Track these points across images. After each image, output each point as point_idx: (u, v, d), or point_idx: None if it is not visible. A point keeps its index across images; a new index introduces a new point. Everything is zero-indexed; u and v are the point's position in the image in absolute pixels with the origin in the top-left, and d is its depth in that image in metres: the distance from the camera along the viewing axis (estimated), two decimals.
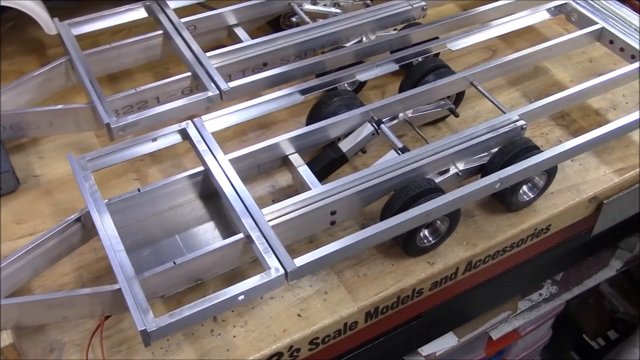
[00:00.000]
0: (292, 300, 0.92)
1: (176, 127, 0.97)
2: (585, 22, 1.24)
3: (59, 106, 1.03)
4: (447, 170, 0.99)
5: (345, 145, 1.02)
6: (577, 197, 1.07)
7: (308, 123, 1.07)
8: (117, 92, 1.08)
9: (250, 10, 1.24)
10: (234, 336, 0.87)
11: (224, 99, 1.05)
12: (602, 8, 1.25)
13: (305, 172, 0.96)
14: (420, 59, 1.17)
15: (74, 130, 1.06)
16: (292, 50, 1.17)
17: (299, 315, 0.90)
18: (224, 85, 1.05)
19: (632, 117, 1.06)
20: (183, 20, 1.18)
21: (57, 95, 1.15)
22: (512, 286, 1.31)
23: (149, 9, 1.21)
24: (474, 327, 1.54)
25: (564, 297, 1.69)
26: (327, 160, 1.01)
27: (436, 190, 0.93)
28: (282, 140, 0.97)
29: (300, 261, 0.81)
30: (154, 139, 0.96)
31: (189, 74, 1.09)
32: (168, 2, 1.21)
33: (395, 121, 1.07)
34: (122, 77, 1.24)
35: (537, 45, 1.18)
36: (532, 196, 1.03)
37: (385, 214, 0.93)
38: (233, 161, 0.93)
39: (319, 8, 1.28)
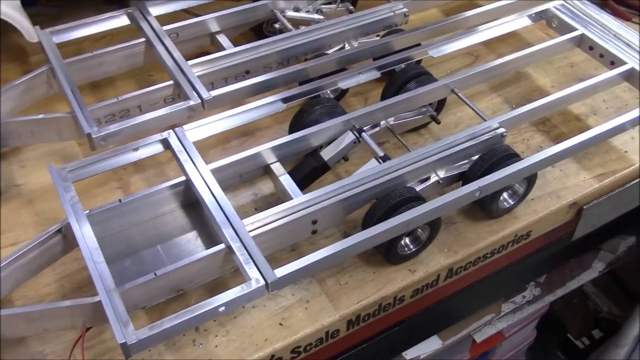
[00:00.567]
0: (274, 309, 0.92)
1: (158, 136, 0.98)
2: (566, 28, 1.25)
3: (40, 116, 1.03)
4: (428, 178, 0.99)
5: (327, 154, 1.02)
6: (557, 203, 1.08)
7: (290, 131, 1.08)
8: (99, 100, 1.08)
9: (233, 17, 1.24)
10: (216, 346, 0.87)
11: (206, 107, 1.06)
12: (582, 14, 1.27)
13: (286, 181, 0.97)
14: (402, 66, 1.17)
15: (56, 139, 1.06)
16: (274, 58, 1.17)
17: (280, 324, 0.90)
18: (205, 94, 1.05)
19: (612, 123, 1.07)
20: (165, 27, 1.18)
21: (40, 103, 1.15)
22: (494, 290, 1.32)
23: (131, 16, 1.21)
24: (457, 330, 1.55)
25: (547, 299, 1.71)
26: (308, 169, 1.02)
27: (417, 199, 0.93)
28: (264, 149, 0.98)
29: (280, 272, 0.81)
30: (136, 149, 0.96)
31: (171, 82, 1.09)
32: (150, 10, 1.22)
33: (377, 129, 1.07)
34: (104, 84, 1.23)
35: (518, 51, 1.19)
36: (513, 203, 1.04)
37: (366, 223, 0.93)
38: (214, 171, 0.93)
39: (301, 15, 1.28)
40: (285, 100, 1.07)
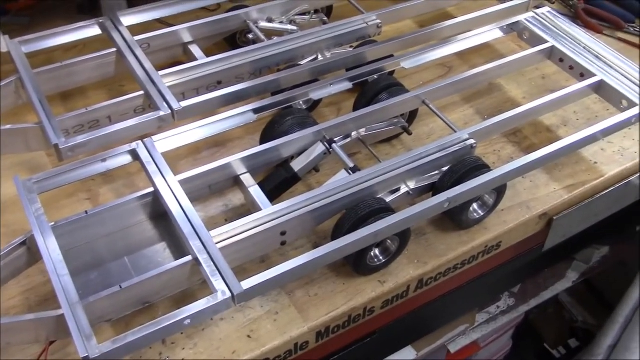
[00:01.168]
0: (243, 321, 0.91)
1: (126, 147, 0.97)
2: (537, 40, 1.27)
3: (8, 126, 1.02)
4: (398, 189, 0.99)
5: (297, 165, 1.02)
6: (527, 214, 1.09)
7: (262, 142, 1.07)
8: (69, 110, 1.07)
9: (206, 27, 1.24)
10: (183, 359, 0.87)
11: (176, 118, 1.05)
12: (553, 27, 1.28)
13: (256, 192, 0.96)
14: (375, 77, 1.18)
15: (24, 150, 1.05)
16: (247, 68, 1.17)
17: (249, 336, 0.90)
18: (176, 105, 1.04)
19: (582, 134, 1.08)
20: (137, 37, 1.17)
21: (9, 113, 1.14)
22: (467, 301, 1.32)
23: (102, 27, 1.20)
24: (432, 340, 1.55)
25: (522, 309, 1.71)
26: (279, 180, 1.01)
27: (386, 210, 0.93)
28: (234, 160, 0.97)
29: (247, 284, 0.81)
30: (104, 160, 0.96)
31: (141, 92, 1.09)
32: (122, 20, 1.21)
33: (348, 140, 1.07)
34: (75, 94, 1.22)
35: (490, 63, 1.20)
36: (483, 214, 1.05)
37: (335, 234, 0.93)
38: (183, 182, 0.93)
39: (274, 26, 1.28)
40: (256, 111, 1.07)
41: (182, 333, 0.89)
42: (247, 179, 0.99)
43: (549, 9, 1.34)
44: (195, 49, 1.21)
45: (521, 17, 1.30)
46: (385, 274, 0.98)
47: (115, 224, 0.93)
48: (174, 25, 1.23)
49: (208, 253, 0.83)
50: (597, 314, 2.09)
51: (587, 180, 1.15)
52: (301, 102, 1.15)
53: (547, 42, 1.25)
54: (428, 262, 1.00)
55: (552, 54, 1.25)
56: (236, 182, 1.00)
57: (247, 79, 1.17)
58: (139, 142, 0.98)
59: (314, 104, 1.21)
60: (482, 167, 1.00)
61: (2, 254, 0.85)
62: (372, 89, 1.13)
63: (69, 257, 0.84)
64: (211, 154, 1.14)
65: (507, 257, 1.15)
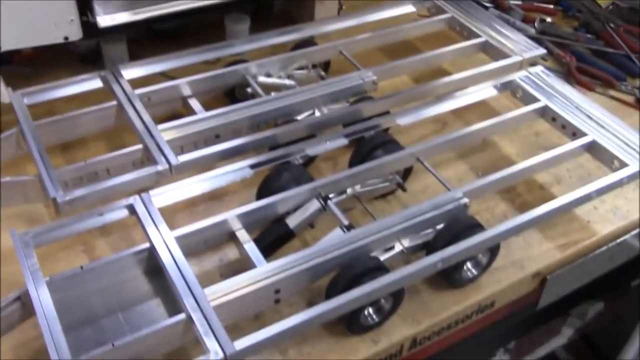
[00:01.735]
0: None
1: (124, 202, 0.98)
2: (530, 99, 1.29)
3: (7, 179, 1.03)
4: (392, 247, 1.00)
5: (292, 221, 1.03)
6: (521, 273, 1.09)
7: (258, 197, 1.08)
8: (68, 160, 1.08)
9: (205, 82, 1.26)
10: None
11: (174, 172, 1.06)
12: (546, 86, 1.30)
13: (251, 249, 0.97)
14: (371, 133, 1.19)
15: (22, 201, 1.06)
16: (245, 123, 1.19)
17: None
18: (174, 160, 1.06)
19: (576, 194, 1.09)
20: (137, 91, 1.20)
21: (9, 163, 1.15)
22: (461, 358, 1.31)
23: (104, 79, 1.23)
24: None
25: None
26: (274, 236, 1.02)
27: (380, 269, 0.94)
28: (230, 217, 0.98)
29: (240, 344, 0.81)
30: (101, 214, 0.97)
31: (140, 146, 1.10)
32: (123, 73, 1.23)
33: (344, 196, 1.09)
34: (74, 144, 1.24)
35: (483, 120, 1.22)
36: (476, 273, 1.05)
37: (329, 293, 0.93)
38: (179, 238, 0.93)
39: (273, 80, 1.30)
40: (253, 166, 1.09)
41: None
42: (243, 235, 0.99)
43: (542, 68, 1.37)
44: (194, 103, 1.23)
45: (515, 76, 1.33)
46: (379, 333, 0.98)
47: (110, 279, 0.93)
48: (175, 78, 1.26)
49: (202, 311, 0.84)
50: None
51: (581, 239, 1.16)
52: (298, 157, 1.17)
53: (539, 101, 1.27)
54: (421, 321, 1.00)
55: (545, 113, 1.27)
56: (231, 237, 1.01)
57: (244, 133, 1.19)
58: (137, 196, 0.99)
59: (310, 159, 1.22)
60: (475, 227, 1.01)
61: None
62: (367, 145, 1.15)
63: (63, 312, 0.84)
64: (207, 207, 1.15)
65: (501, 315, 1.15)
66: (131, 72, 1.26)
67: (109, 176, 1.07)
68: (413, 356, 1.04)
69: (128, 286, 0.94)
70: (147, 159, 1.11)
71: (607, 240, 1.19)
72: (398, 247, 1.00)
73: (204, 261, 1.05)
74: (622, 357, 1.75)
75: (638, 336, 1.72)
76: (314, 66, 1.37)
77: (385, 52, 1.54)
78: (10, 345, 0.92)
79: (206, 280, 0.94)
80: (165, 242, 0.92)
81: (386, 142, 1.15)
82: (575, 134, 1.22)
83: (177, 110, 1.28)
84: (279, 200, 1.02)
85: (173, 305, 0.93)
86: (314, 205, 1.04)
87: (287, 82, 1.31)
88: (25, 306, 0.88)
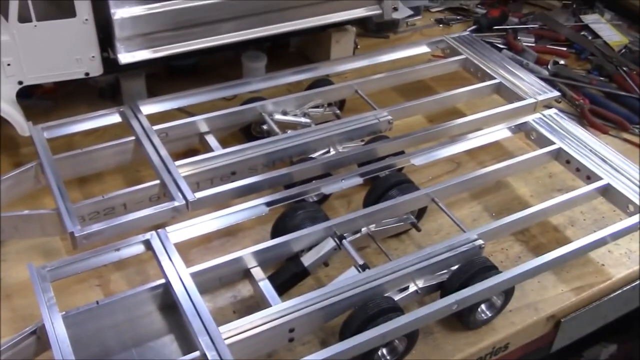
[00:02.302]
0: None
1: (140, 237, 0.99)
2: (544, 141, 1.30)
3: (25, 212, 1.04)
4: (406, 288, 1.00)
5: (307, 260, 1.03)
6: (535, 316, 1.09)
7: (273, 235, 1.09)
8: (86, 194, 1.09)
9: (222, 119, 1.28)
10: None
11: (191, 208, 1.07)
12: (560, 128, 1.31)
13: (265, 287, 0.97)
14: (386, 172, 1.20)
15: (39, 234, 1.07)
16: (260, 160, 1.20)
17: None
18: (190, 196, 1.07)
19: (590, 237, 1.09)
20: (155, 127, 1.21)
21: (27, 195, 1.16)
22: None
23: (122, 115, 1.25)
24: None
25: None
26: (289, 274, 1.02)
27: (394, 310, 0.94)
28: (245, 254, 0.99)
29: None
30: (118, 249, 0.97)
31: (157, 181, 1.11)
32: (142, 108, 1.25)
33: (358, 235, 1.09)
34: (92, 178, 1.25)
35: (498, 162, 1.23)
36: (490, 315, 1.05)
37: (343, 333, 0.93)
38: (194, 275, 0.94)
39: (289, 118, 1.32)
40: (269, 204, 1.09)
41: None
42: (257, 273, 1.00)
43: (555, 110, 1.38)
44: (211, 139, 1.25)
45: (529, 118, 1.34)
46: None
47: (125, 314, 0.94)
48: (192, 114, 1.28)
49: (216, 349, 0.84)
50: None
51: (595, 282, 1.15)
52: (313, 195, 1.17)
53: (554, 143, 1.28)
54: None
55: (559, 156, 1.28)
56: (246, 275, 1.01)
57: (260, 170, 1.20)
58: (153, 232, 0.99)
59: (325, 197, 1.23)
60: (490, 269, 1.01)
61: (11, 342, 0.86)
62: (382, 185, 1.16)
63: (77, 347, 0.84)
64: (222, 243, 1.16)
65: (514, 357, 1.14)
66: (149, 107, 1.28)
67: (126, 211, 1.09)
68: None
69: (143, 322, 0.95)
70: (163, 194, 1.12)
71: (622, 284, 1.18)
72: (412, 288, 1.00)
73: (218, 297, 1.05)
74: None
75: None
76: (330, 105, 1.39)
77: (399, 92, 1.56)
78: None
79: (220, 317, 0.94)
80: (181, 278, 0.93)
81: (401, 182, 1.15)
82: (590, 177, 1.22)
83: (194, 146, 1.30)
84: (294, 238, 1.02)
85: (187, 342, 0.93)
86: (329, 244, 1.04)
87: (303, 120, 1.33)
88: (41, 340, 0.88)
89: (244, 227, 1.18)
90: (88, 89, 1.47)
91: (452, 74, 1.57)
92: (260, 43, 1.55)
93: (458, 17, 1.95)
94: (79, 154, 1.16)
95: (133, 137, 1.20)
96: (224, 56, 1.59)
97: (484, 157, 1.41)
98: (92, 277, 1.08)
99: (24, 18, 1.15)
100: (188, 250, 1.12)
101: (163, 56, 1.29)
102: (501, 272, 1.01)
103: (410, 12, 1.69)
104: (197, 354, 0.84)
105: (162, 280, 0.94)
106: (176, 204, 1.06)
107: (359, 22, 1.66)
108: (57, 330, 0.84)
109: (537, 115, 1.35)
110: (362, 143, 1.28)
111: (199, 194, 1.08)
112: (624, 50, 1.82)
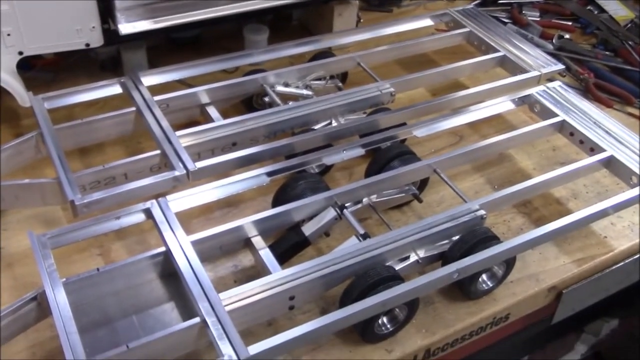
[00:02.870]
0: None
1: (141, 206, 0.98)
2: (548, 113, 1.29)
3: (25, 180, 1.04)
4: (407, 257, 1.00)
5: (308, 229, 1.03)
6: (537, 287, 1.09)
7: (274, 204, 1.09)
8: (87, 165, 1.09)
9: (223, 90, 1.27)
10: None
11: (191, 178, 1.07)
12: (564, 101, 1.30)
13: (266, 255, 0.97)
14: (388, 143, 1.19)
15: (39, 204, 1.07)
16: (262, 131, 1.19)
17: None
18: (191, 166, 1.06)
19: (592, 209, 1.09)
20: (156, 98, 1.20)
21: (27, 166, 1.16)
22: None
23: (123, 86, 1.24)
24: None
25: None
26: (289, 244, 1.02)
27: (395, 278, 0.94)
28: (245, 223, 0.98)
29: (254, 349, 0.81)
30: (118, 217, 0.97)
31: (158, 152, 1.11)
32: (143, 79, 1.24)
33: (359, 205, 1.09)
34: (93, 149, 1.25)
35: (501, 135, 1.22)
36: (492, 285, 1.05)
37: (344, 301, 0.93)
38: (195, 243, 0.94)
39: (290, 90, 1.31)
40: (270, 174, 1.09)
41: None
42: (258, 242, 1.00)
43: (560, 83, 1.36)
44: (212, 111, 1.24)
45: (532, 90, 1.33)
46: (393, 343, 0.97)
47: (126, 281, 0.94)
48: (193, 86, 1.27)
49: (216, 316, 0.84)
50: None
51: (597, 254, 1.15)
52: (314, 166, 1.17)
53: (557, 115, 1.27)
54: (436, 332, 1.00)
55: (563, 128, 1.27)
56: (247, 244, 1.01)
57: (261, 141, 1.19)
58: (154, 201, 0.99)
59: (327, 168, 1.22)
60: (492, 239, 1.01)
61: (12, 308, 0.86)
62: (384, 156, 1.15)
63: (78, 314, 0.84)
64: (223, 214, 1.15)
65: (515, 329, 1.14)
66: (150, 79, 1.27)
67: (127, 181, 1.08)
68: None
69: (143, 289, 0.95)
70: (164, 164, 1.12)
71: (624, 256, 1.18)
72: (413, 257, 1.00)
73: (219, 267, 1.05)
74: None
75: None
76: (332, 77, 1.38)
77: (402, 65, 1.55)
78: (24, 346, 0.92)
79: (221, 286, 0.94)
80: (181, 246, 0.93)
81: (403, 153, 1.15)
82: (594, 149, 1.21)
83: (195, 117, 1.29)
84: (295, 207, 1.02)
85: (187, 309, 0.93)
86: (330, 213, 1.04)
87: (305, 92, 1.32)
88: (42, 306, 0.88)
89: (245, 197, 1.18)
90: (89, 62, 1.46)
91: (456, 47, 1.55)
92: (262, 15, 1.54)
93: None
94: (80, 124, 1.15)
95: (134, 108, 1.20)
96: (225, 29, 1.58)
97: (487, 130, 1.40)
98: (93, 247, 1.08)
99: None
100: (189, 220, 1.12)
101: (164, 27, 1.28)
102: (502, 242, 1.01)
103: None
104: (197, 320, 0.85)
105: (163, 248, 0.94)
106: (177, 173, 1.06)
107: None
108: (58, 296, 0.85)
109: (541, 87, 1.34)
110: (364, 115, 1.28)
111: (200, 164, 1.08)
112: (629, 25, 1.80)
